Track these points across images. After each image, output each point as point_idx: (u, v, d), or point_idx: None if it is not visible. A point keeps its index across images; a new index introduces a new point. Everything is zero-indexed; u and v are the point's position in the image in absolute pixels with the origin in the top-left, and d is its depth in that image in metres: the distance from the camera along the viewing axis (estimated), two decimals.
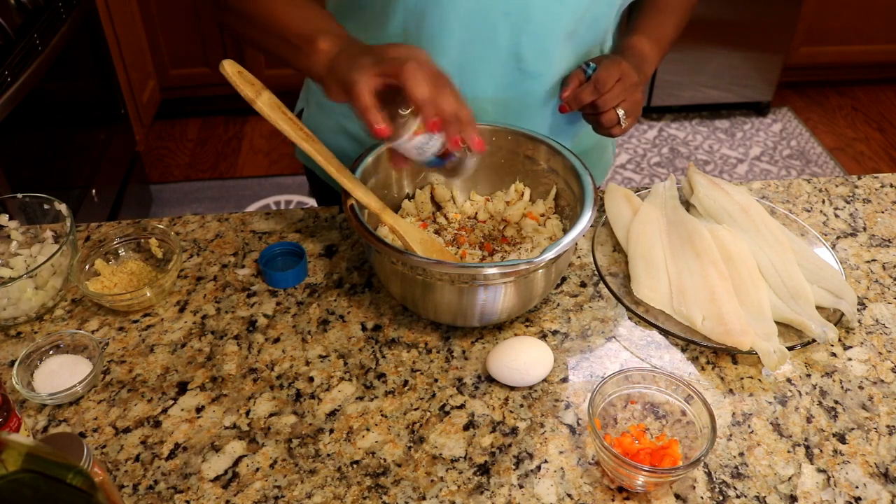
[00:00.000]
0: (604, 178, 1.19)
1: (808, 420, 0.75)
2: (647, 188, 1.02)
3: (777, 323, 0.82)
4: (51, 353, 0.79)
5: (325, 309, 0.87)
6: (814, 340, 0.80)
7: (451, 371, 0.79)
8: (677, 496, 0.68)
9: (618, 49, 0.98)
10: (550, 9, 0.87)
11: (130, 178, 2.43)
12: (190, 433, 0.74)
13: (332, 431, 0.74)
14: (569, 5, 0.88)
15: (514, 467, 0.70)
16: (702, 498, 0.68)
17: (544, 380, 0.78)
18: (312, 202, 2.67)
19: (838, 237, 0.98)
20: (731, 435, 0.73)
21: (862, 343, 0.83)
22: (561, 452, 0.72)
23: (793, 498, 0.68)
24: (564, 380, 0.79)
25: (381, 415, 0.75)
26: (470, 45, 0.90)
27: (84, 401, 0.77)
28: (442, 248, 0.86)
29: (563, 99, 0.92)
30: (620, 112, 0.91)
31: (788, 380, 0.79)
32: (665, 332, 0.83)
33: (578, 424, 0.74)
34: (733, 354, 0.81)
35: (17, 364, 0.76)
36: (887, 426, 0.74)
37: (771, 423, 0.74)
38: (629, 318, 0.86)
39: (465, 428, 0.74)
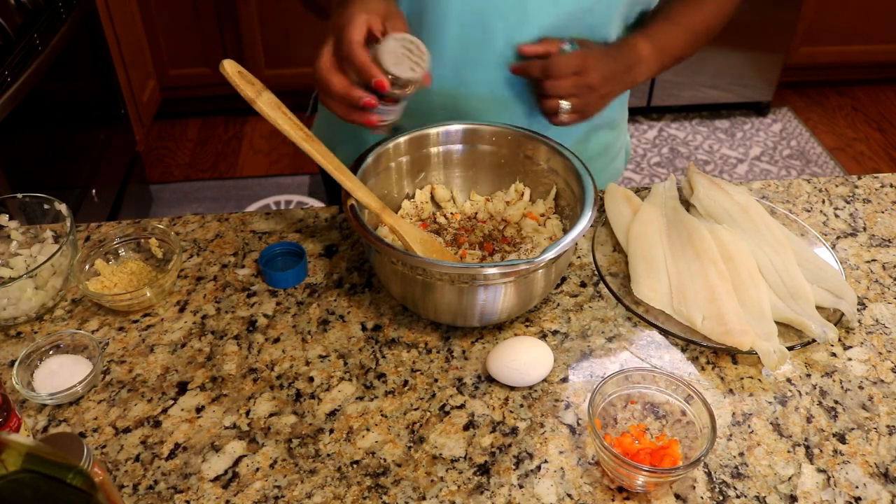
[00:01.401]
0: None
1: (808, 420, 0.75)
2: (647, 188, 1.02)
3: (777, 323, 0.82)
4: (51, 353, 0.79)
5: (325, 309, 0.87)
6: (814, 340, 0.80)
7: (451, 371, 0.79)
8: (677, 496, 0.68)
9: (615, 43, 0.94)
10: (546, 10, 0.87)
11: (130, 178, 2.43)
12: (190, 433, 0.74)
13: (332, 431, 0.74)
14: (564, 7, 0.88)
15: (514, 467, 0.70)
16: (702, 498, 0.68)
17: (544, 380, 0.78)
18: (313, 202, 2.67)
19: (838, 237, 0.98)
20: (731, 435, 0.73)
21: (862, 343, 0.83)
22: (561, 452, 0.72)
23: (793, 498, 0.68)
24: (564, 380, 0.79)
25: (381, 415, 0.75)
26: (466, 45, 0.90)
27: (84, 401, 0.77)
28: (442, 248, 0.86)
29: (519, 54, 0.89)
30: (564, 104, 0.87)
31: (788, 380, 0.79)
32: (665, 332, 0.83)
33: (578, 424, 0.74)
34: (733, 354, 0.81)
35: (17, 364, 0.76)
36: (887, 426, 0.74)
37: (771, 423, 0.74)
38: (629, 318, 0.86)
39: (465, 428, 0.74)
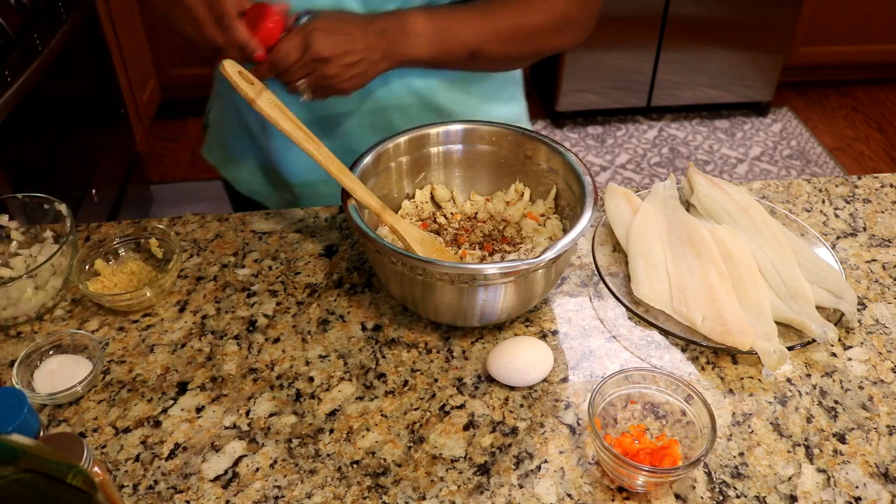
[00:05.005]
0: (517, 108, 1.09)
1: (808, 420, 0.75)
2: (647, 188, 1.02)
3: (777, 323, 0.82)
4: (51, 353, 0.79)
5: (325, 309, 0.87)
6: (814, 340, 0.80)
7: (451, 371, 0.79)
8: (677, 496, 0.68)
9: (383, 12, 0.85)
10: None
11: (130, 178, 2.43)
12: (190, 433, 0.74)
13: (332, 431, 0.74)
14: None
15: (514, 467, 0.70)
16: (702, 498, 0.68)
17: (544, 380, 0.78)
18: None
19: (838, 237, 0.98)
20: (731, 435, 0.73)
21: (862, 343, 0.83)
22: (561, 452, 0.72)
23: (793, 498, 0.68)
24: (564, 380, 0.79)
25: (381, 415, 0.75)
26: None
27: (84, 401, 0.77)
28: (442, 248, 0.86)
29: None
30: (301, 84, 0.81)
31: (788, 380, 0.79)
32: (665, 332, 0.83)
33: (578, 424, 0.74)
34: (733, 354, 0.81)
35: (17, 364, 0.76)
36: (887, 426, 0.74)
37: (771, 423, 0.74)
38: (629, 318, 0.86)
39: (465, 428, 0.74)
